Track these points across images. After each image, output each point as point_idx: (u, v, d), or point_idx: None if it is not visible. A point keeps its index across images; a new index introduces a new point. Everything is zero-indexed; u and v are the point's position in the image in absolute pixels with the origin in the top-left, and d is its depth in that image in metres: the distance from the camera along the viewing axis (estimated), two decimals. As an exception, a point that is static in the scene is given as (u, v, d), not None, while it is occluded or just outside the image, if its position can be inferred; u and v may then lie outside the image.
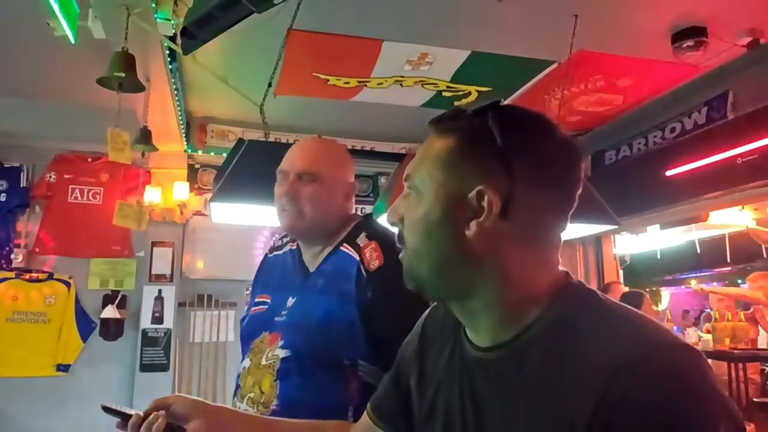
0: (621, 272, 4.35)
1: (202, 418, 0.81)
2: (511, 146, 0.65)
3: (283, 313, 1.27)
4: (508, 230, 0.65)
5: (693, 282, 4.97)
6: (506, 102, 3.19)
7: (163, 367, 3.75)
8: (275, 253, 1.44)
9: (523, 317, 0.66)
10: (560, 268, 0.70)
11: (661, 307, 6.56)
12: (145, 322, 3.77)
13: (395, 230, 0.74)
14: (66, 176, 3.88)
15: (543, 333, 0.64)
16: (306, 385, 1.18)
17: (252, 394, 1.19)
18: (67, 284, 3.76)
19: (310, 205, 1.30)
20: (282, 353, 1.22)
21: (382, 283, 1.17)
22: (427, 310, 0.89)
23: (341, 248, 1.27)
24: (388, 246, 1.22)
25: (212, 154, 4.00)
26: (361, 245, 1.25)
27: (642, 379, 0.54)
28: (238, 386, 1.28)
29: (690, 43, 2.62)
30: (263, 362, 1.23)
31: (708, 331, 4.05)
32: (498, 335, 0.68)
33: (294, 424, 0.96)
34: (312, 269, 1.32)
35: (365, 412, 0.91)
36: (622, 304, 0.66)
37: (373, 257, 1.22)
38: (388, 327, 1.10)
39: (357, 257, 1.23)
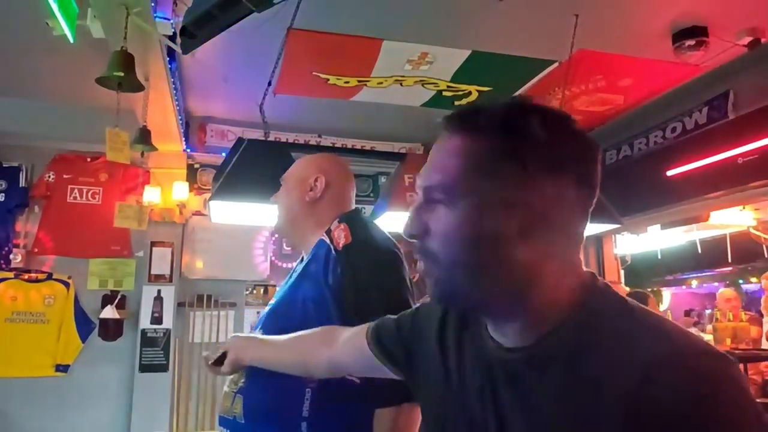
0: (622, 272, 4.34)
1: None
2: (552, 146, 0.63)
3: (269, 306, 1.36)
4: (547, 233, 0.63)
5: (694, 282, 4.96)
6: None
7: (163, 368, 3.74)
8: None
9: (553, 318, 0.64)
10: (584, 268, 0.68)
11: (662, 307, 6.56)
12: (145, 322, 3.76)
13: (414, 243, 0.68)
14: (65, 176, 3.87)
15: (572, 334, 0.63)
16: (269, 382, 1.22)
17: (233, 375, 1.27)
18: (66, 284, 3.75)
19: (279, 207, 1.43)
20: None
21: (350, 259, 1.22)
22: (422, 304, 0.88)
23: (321, 238, 1.32)
24: (357, 226, 1.29)
25: (211, 153, 3.99)
26: (332, 228, 1.30)
27: (674, 384, 0.53)
28: None
29: (691, 42, 2.61)
30: None
31: (709, 332, 4.05)
32: (525, 337, 0.66)
33: (284, 338, 1.10)
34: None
35: (363, 334, 0.94)
36: (647, 308, 0.65)
37: (341, 237, 1.27)
38: (359, 301, 1.16)
39: (327, 240, 1.29)
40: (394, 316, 0.92)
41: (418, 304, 0.92)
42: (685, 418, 0.52)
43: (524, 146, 0.62)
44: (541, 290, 0.64)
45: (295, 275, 1.36)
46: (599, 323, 0.62)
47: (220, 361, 1.19)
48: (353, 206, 1.45)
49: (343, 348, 0.99)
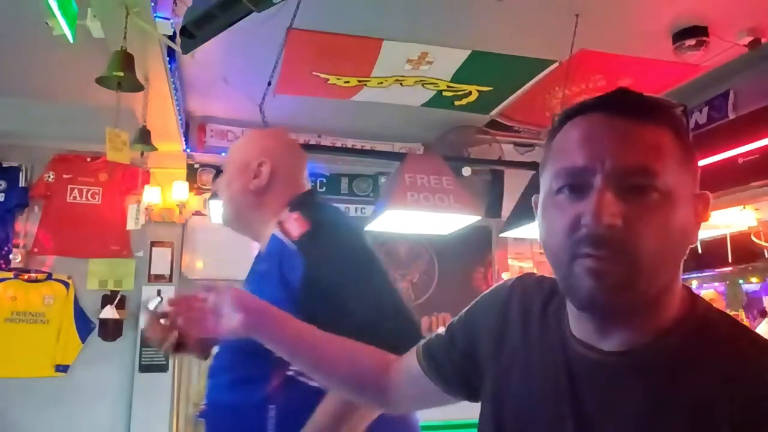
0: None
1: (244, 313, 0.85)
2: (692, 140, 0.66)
3: None
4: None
5: (694, 282, 4.96)
6: (506, 102, 3.18)
7: (162, 368, 3.73)
8: None
9: (667, 321, 0.63)
10: None
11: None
12: (145, 322, 3.76)
13: (599, 234, 0.59)
14: (65, 176, 3.86)
15: (682, 342, 0.62)
16: (230, 384, 1.12)
17: (197, 396, 1.18)
18: (66, 284, 3.74)
19: (222, 199, 1.29)
20: (215, 351, 1.19)
21: (311, 249, 1.07)
22: (515, 282, 0.82)
23: (273, 232, 1.19)
24: (313, 209, 1.15)
25: (212, 153, 3.99)
26: (282, 220, 1.16)
27: None
28: None
29: (691, 42, 2.61)
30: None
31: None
32: (632, 339, 0.63)
33: (331, 341, 0.91)
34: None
35: (413, 356, 0.86)
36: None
37: (294, 227, 1.13)
38: (329, 300, 1.02)
39: (280, 233, 1.16)
40: (446, 334, 0.85)
41: (467, 309, 0.86)
42: None
43: (690, 143, 0.66)
44: (674, 290, 0.65)
45: (251, 277, 1.20)
46: (712, 333, 0.63)
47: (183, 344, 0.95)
48: (307, 187, 1.29)
49: (400, 376, 0.89)
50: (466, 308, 0.86)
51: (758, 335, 0.63)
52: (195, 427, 4.04)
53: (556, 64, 2.80)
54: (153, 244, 3.88)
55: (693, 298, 0.66)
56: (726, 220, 4.00)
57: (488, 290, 0.84)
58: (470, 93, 3.15)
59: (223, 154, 3.54)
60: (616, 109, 0.64)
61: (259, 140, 1.29)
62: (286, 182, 1.24)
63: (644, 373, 0.61)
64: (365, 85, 3.02)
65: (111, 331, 3.78)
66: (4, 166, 3.77)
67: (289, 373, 1.07)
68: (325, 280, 1.04)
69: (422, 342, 0.88)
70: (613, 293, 0.59)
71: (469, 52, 2.68)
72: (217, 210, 2.05)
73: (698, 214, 0.66)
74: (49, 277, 3.72)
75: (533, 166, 3.32)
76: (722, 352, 0.60)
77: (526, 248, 4.52)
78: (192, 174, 4.05)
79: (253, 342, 0.92)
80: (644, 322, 0.63)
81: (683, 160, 0.63)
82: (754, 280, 4.61)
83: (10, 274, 3.65)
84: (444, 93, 3.15)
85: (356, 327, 0.94)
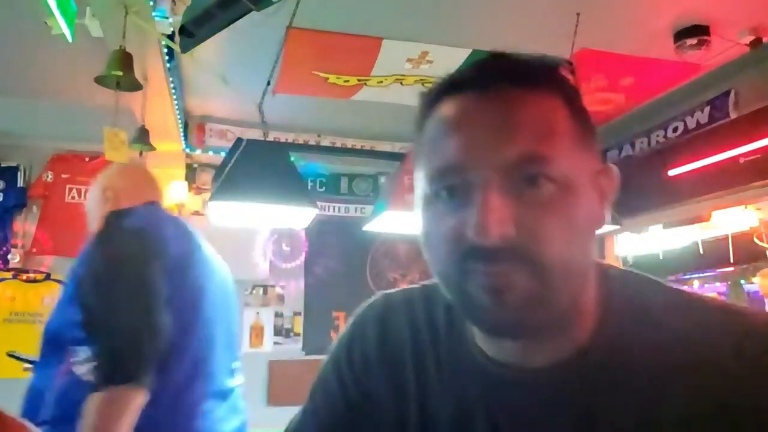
0: (622, 273, 4.32)
1: None
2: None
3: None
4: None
5: (696, 282, 4.96)
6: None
7: (162, 368, 3.73)
8: None
9: (589, 319, 0.55)
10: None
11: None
12: None
13: (497, 250, 0.48)
14: (63, 176, 3.85)
15: (618, 330, 0.54)
16: (39, 374, 1.25)
17: None
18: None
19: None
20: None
21: (90, 248, 1.23)
22: (365, 313, 0.70)
23: None
24: (114, 216, 1.31)
25: (211, 153, 3.98)
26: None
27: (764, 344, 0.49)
28: None
29: (692, 41, 2.60)
30: None
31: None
32: (553, 350, 0.54)
33: None
34: None
35: None
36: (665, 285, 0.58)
37: (97, 230, 1.30)
38: (85, 297, 1.16)
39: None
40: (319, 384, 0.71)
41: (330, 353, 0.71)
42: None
43: (584, 110, 0.55)
44: (589, 284, 0.55)
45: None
46: (640, 307, 0.55)
47: None
48: (152, 199, 1.50)
49: None
50: (320, 374, 0.71)
51: (683, 300, 0.55)
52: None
53: (556, 64, 2.79)
54: (152, 244, 3.87)
55: (607, 279, 0.57)
56: (727, 220, 3.99)
57: (344, 334, 0.71)
58: (470, 92, 3.14)
59: (222, 153, 3.53)
60: (489, 83, 0.52)
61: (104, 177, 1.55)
62: (127, 200, 1.45)
63: (574, 386, 0.53)
64: (365, 84, 3.01)
65: (110, 331, 3.77)
66: (2, 166, 3.76)
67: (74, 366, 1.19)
68: (85, 281, 1.18)
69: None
70: (519, 311, 0.48)
71: (469, 51, 2.66)
72: (216, 210, 2.04)
73: (604, 193, 0.55)
74: (48, 277, 3.71)
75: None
76: (667, 328, 0.53)
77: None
78: (191, 174, 4.04)
79: (50, 336, 1.18)
80: (565, 329, 0.54)
81: (579, 132, 0.52)
82: (755, 280, 4.60)
83: (9, 275, 3.64)
84: (444, 92, 3.14)
85: (97, 334, 1.07)
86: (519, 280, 0.48)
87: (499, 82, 0.52)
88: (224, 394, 1.37)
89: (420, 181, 0.55)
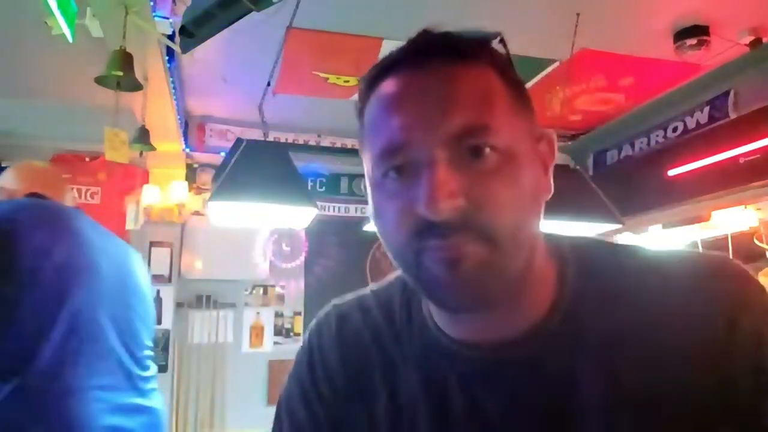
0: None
1: None
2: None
3: None
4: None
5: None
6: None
7: (162, 368, 3.72)
8: None
9: (546, 289, 0.56)
10: None
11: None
12: None
13: (448, 220, 0.48)
14: (64, 176, 3.85)
15: (576, 297, 0.55)
16: None
17: None
18: (65, 285, 3.73)
19: None
20: None
21: None
22: (319, 324, 0.68)
23: None
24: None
25: (211, 153, 3.98)
26: None
27: (736, 280, 0.54)
28: None
29: (692, 42, 2.60)
30: None
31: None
32: (523, 320, 0.55)
33: None
34: None
35: None
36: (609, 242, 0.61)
37: None
38: None
39: None
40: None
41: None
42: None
43: (516, 77, 0.56)
44: (537, 256, 0.55)
45: None
46: (594, 272, 0.56)
47: None
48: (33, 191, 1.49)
49: None
50: (285, 400, 0.68)
51: (637, 258, 0.58)
52: (195, 427, 4.05)
53: (556, 64, 2.79)
54: (152, 244, 3.88)
55: (560, 251, 0.58)
56: (727, 220, 3.99)
57: (302, 353, 0.69)
58: (470, 93, 3.14)
59: (222, 153, 3.53)
60: (423, 59, 0.52)
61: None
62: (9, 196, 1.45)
63: (542, 353, 0.54)
64: (365, 84, 3.02)
65: (110, 331, 3.77)
66: (2, 166, 3.76)
67: None
68: None
69: None
70: (474, 278, 0.49)
71: (469, 51, 2.67)
72: (216, 211, 2.04)
73: (545, 159, 0.56)
74: (48, 277, 3.71)
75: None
76: (634, 287, 0.55)
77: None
78: (191, 174, 4.05)
79: None
80: (523, 299, 0.55)
81: (515, 102, 0.53)
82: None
83: (9, 275, 3.64)
84: (444, 93, 3.14)
85: None
86: (472, 249, 0.48)
87: (432, 58, 0.52)
88: (120, 386, 1.34)
89: (367, 165, 0.55)
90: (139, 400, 1.39)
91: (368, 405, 0.62)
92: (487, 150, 0.49)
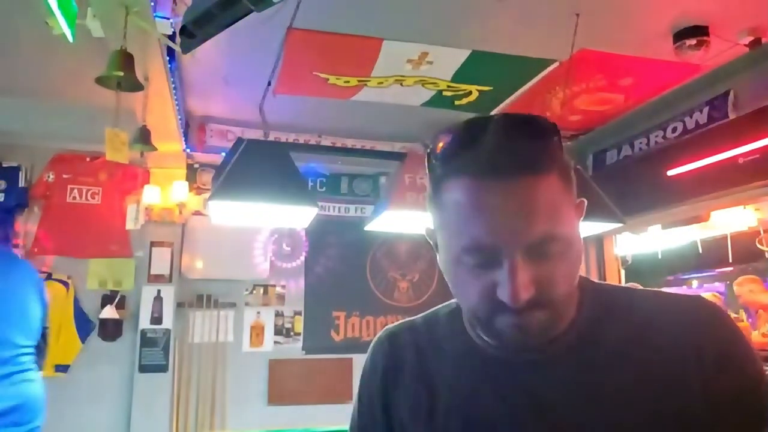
0: (623, 272, 4.33)
1: None
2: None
3: None
4: None
5: (695, 282, 4.96)
6: (507, 102, 3.16)
7: (162, 368, 3.73)
8: None
9: (571, 313, 0.71)
10: None
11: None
12: (144, 322, 3.75)
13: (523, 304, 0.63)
14: (64, 176, 3.86)
15: (592, 312, 0.71)
16: None
17: None
18: (66, 284, 3.74)
19: None
20: None
21: None
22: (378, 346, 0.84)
23: None
24: None
25: (211, 153, 3.98)
26: None
27: (715, 319, 0.68)
28: None
29: (692, 42, 2.60)
30: None
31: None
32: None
33: None
34: None
35: None
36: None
37: None
38: None
39: None
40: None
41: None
42: (739, 341, 0.68)
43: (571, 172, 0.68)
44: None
45: None
46: (604, 295, 0.74)
47: None
48: None
49: None
50: (356, 401, 0.85)
51: (636, 290, 0.77)
52: (195, 426, 4.06)
53: (556, 64, 2.79)
54: (153, 244, 3.88)
55: (581, 285, 0.73)
56: (726, 221, 4.00)
57: (363, 374, 0.85)
58: (470, 93, 3.15)
59: (223, 154, 3.54)
60: (502, 171, 0.61)
61: None
62: None
63: (565, 351, 0.69)
64: (365, 85, 3.02)
65: (111, 331, 3.78)
66: (3, 166, 3.77)
67: None
68: None
69: None
70: (538, 336, 0.66)
71: (469, 52, 2.67)
72: (217, 210, 2.04)
73: (579, 221, 0.69)
74: (49, 277, 3.71)
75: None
76: (626, 311, 0.72)
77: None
78: (192, 174, 4.05)
79: None
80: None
81: (571, 195, 0.66)
82: (735, 289, 4.61)
83: (10, 274, 3.65)
84: (444, 93, 3.14)
85: None
86: (537, 318, 0.64)
87: (511, 170, 0.61)
88: None
89: (448, 244, 0.67)
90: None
91: (408, 395, 0.78)
92: (553, 245, 0.62)
